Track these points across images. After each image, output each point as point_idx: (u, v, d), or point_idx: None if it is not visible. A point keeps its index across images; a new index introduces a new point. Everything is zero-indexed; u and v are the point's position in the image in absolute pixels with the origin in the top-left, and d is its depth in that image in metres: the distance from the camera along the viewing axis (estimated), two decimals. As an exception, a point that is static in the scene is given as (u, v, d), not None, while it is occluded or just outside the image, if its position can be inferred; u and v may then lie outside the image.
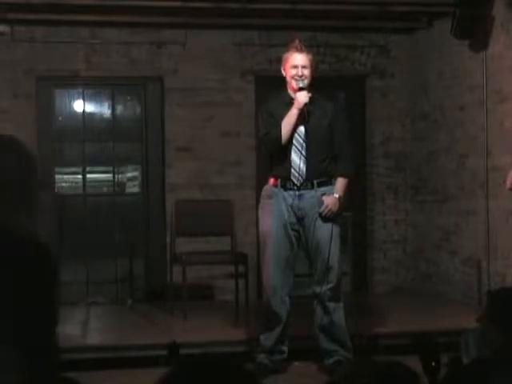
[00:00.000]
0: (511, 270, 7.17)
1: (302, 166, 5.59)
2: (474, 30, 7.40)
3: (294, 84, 5.62)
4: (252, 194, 8.24)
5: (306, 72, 5.60)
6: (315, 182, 5.62)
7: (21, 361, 2.42)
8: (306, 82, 5.59)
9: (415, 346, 3.32)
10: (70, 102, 8.45)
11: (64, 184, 8.50)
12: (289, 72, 5.64)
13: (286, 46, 5.91)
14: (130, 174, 8.67)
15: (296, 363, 5.93)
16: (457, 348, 3.94)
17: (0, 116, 7.82)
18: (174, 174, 8.21)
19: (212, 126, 8.27)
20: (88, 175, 8.39)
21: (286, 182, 5.62)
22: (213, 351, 5.94)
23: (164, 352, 6.10)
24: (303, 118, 5.56)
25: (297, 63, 5.60)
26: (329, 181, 5.68)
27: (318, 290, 5.66)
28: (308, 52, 5.68)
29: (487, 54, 7.48)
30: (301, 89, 5.57)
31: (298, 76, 5.59)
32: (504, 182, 6.18)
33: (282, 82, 5.76)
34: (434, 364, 3.23)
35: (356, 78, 8.77)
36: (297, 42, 5.69)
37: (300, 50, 5.63)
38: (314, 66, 5.73)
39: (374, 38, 8.66)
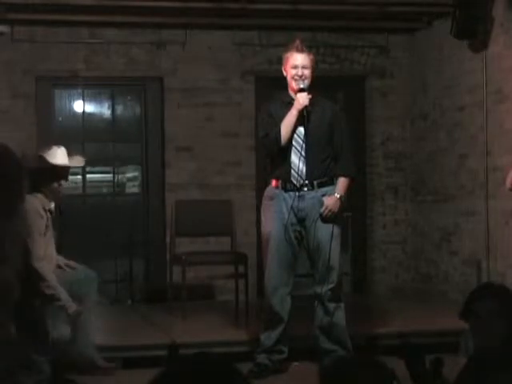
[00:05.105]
0: (511, 270, 7.17)
1: (302, 167, 5.58)
2: (474, 30, 7.40)
3: (294, 84, 5.61)
4: (252, 194, 8.25)
5: (307, 72, 5.59)
6: (315, 182, 5.61)
7: None
8: (307, 82, 5.59)
9: (401, 354, 3.34)
10: (70, 102, 8.44)
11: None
12: (289, 72, 5.63)
13: (286, 46, 5.91)
14: (129, 175, 8.66)
15: (295, 363, 5.93)
16: (456, 348, 3.95)
17: (0, 116, 7.82)
18: (174, 174, 8.21)
19: (212, 126, 8.27)
20: (88, 175, 8.38)
21: (286, 183, 5.62)
22: (212, 351, 5.93)
23: (164, 352, 6.09)
24: (302, 119, 5.55)
25: (297, 63, 5.60)
26: (329, 181, 5.67)
27: (318, 290, 5.66)
28: (308, 52, 5.68)
29: (487, 53, 7.47)
30: (301, 90, 5.56)
31: (298, 76, 5.58)
32: (504, 182, 6.17)
33: (282, 82, 5.75)
34: (418, 369, 3.26)
35: (356, 78, 8.76)
36: (297, 42, 5.68)
37: (300, 51, 5.62)
38: (315, 67, 5.73)
39: (373, 38, 8.66)
